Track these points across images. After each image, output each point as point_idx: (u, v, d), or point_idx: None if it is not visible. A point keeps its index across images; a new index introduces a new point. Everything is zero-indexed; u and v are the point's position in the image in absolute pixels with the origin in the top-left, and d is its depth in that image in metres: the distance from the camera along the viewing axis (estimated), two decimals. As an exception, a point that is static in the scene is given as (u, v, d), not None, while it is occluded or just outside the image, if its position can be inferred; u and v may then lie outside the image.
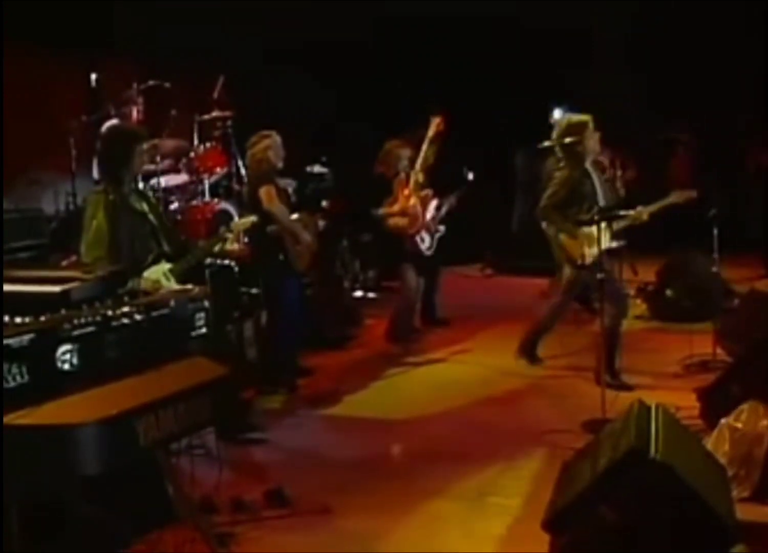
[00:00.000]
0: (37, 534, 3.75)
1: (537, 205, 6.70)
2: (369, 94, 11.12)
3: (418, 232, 7.84)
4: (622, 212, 6.52)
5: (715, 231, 6.60)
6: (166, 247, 5.32)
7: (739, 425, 4.64)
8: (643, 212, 6.55)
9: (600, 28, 10.97)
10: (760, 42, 10.36)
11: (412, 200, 7.81)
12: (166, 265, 5.19)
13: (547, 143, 6.61)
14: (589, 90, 9.86)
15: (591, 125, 6.57)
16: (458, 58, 11.35)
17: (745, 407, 4.71)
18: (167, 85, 8.60)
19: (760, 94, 10.59)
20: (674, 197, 6.57)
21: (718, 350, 6.68)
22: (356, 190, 8.69)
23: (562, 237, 6.53)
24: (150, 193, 5.95)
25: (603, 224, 6.30)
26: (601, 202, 6.49)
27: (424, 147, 7.90)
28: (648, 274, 7.90)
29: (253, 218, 6.03)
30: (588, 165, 6.63)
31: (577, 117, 6.69)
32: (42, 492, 3.67)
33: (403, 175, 7.91)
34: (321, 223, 7.57)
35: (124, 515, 4.05)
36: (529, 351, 7.19)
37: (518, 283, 10.51)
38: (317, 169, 10.19)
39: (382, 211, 7.74)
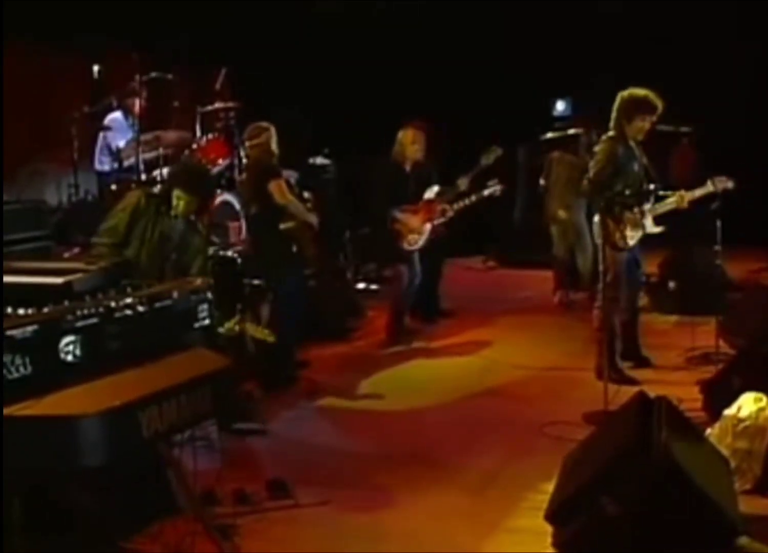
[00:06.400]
0: (39, 526, 3.76)
1: (540, 198, 6.64)
2: (374, 88, 11.08)
3: (410, 247, 7.77)
4: (665, 193, 6.47)
5: (718, 224, 6.58)
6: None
7: (742, 417, 4.64)
8: (684, 197, 6.44)
9: (602, 22, 10.96)
10: (763, 35, 10.35)
11: (428, 225, 7.81)
12: None
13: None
14: (591, 83, 9.84)
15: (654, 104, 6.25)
16: (460, 52, 11.31)
17: (747, 399, 4.71)
18: (170, 76, 8.59)
19: (763, 86, 10.59)
20: (712, 186, 6.45)
21: (721, 343, 6.66)
22: (360, 179, 8.65)
23: (606, 217, 6.14)
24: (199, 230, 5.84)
25: (648, 207, 6.32)
26: (644, 184, 6.42)
27: (466, 180, 7.93)
28: (650, 266, 7.88)
29: (271, 340, 5.70)
30: (633, 143, 6.41)
31: (642, 92, 6.29)
32: (45, 484, 3.68)
33: (436, 199, 7.90)
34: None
35: (126, 507, 4.06)
36: (614, 366, 6.19)
37: (521, 275, 10.52)
38: (320, 160, 10.16)
39: (398, 215, 7.69)
